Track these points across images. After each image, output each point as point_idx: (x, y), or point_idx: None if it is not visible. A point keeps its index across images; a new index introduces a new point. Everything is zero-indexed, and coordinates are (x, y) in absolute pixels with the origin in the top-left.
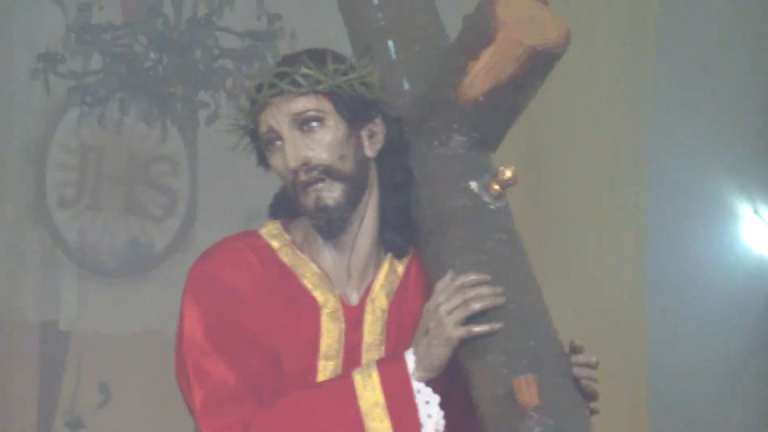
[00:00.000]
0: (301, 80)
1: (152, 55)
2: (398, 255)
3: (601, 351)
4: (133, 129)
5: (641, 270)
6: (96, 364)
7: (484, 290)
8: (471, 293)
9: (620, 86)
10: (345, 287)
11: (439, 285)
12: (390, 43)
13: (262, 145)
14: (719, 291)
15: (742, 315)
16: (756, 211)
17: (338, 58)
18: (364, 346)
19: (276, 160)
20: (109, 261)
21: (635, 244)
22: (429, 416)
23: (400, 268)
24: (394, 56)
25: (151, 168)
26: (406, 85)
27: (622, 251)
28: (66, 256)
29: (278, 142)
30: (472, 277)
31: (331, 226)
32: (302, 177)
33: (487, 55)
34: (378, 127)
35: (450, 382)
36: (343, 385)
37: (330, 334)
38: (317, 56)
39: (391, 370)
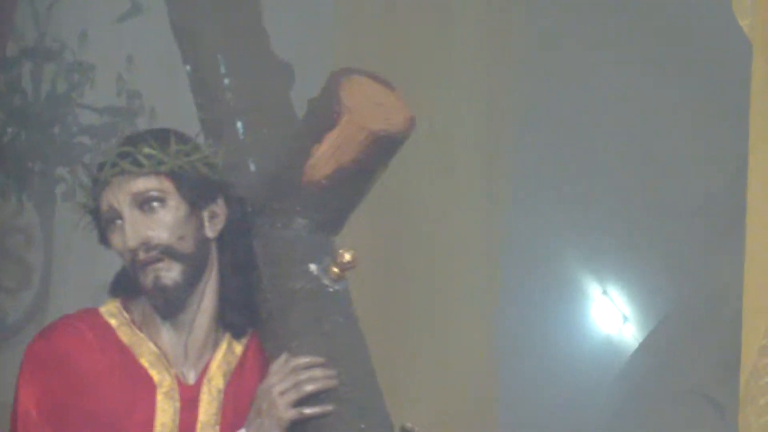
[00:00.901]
0: (143, 160)
1: (10, 129)
2: (237, 335)
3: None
4: None
5: (493, 350)
6: None
7: (317, 373)
8: (304, 375)
9: (478, 170)
10: (182, 366)
11: (274, 366)
12: (239, 124)
13: (103, 223)
14: (569, 369)
15: (592, 393)
16: (605, 292)
17: (182, 138)
18: (199, 426)
19: (116, 239)
20: None
21: (488, 323)
22: None
23: (239, 348)
24: (242, 137)
25: (5, 240)
26: (253, 167)
27: (474, 330)
28: None
29: (118, 221)
30: (306, 360)
31: (169, 305)
32: (141, 256)
33: (330, 139)
34: (220, 208)
35: None
36: None
37: (164, 412)
38: (160, 136)
39: None
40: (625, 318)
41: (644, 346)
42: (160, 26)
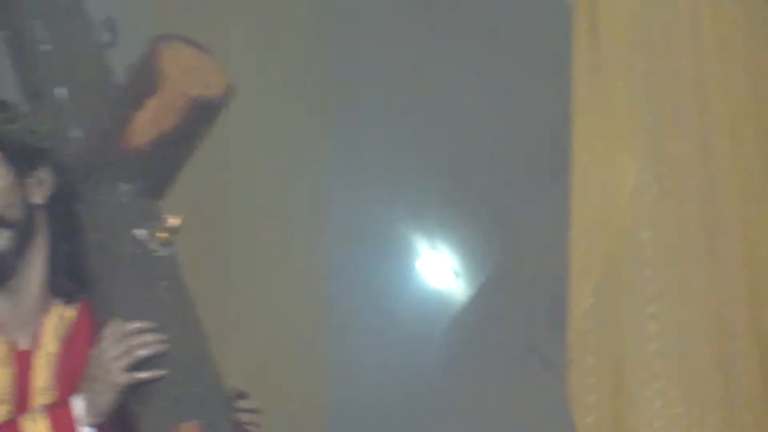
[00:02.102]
0: None
1: None
2: (67, 301)
3: (283, 386)
4: None
5: (322, 308)
6: None
7: (148, 337)
8: (135, 340)
9: (300, 125)
10: (15, 332)
11: (105, 332)
12: (60, 90)
13: None
14: (399, 325)
15: (422, 348)
16: (434, 247)
17: (4, 106)
18: (35, 390)
19: None
20: None
21: (317, 284)
22: None
23: (71, 314)
24: (64, 103)
25: None
26: (76, 133)
27: (305, 287)
28: None
29: None
30: (137, 325)
31: (0, 273)
32: None
33: (151, 105)
34: (46, 174)
35: (122, 427)
36: (10, 430)
37: (1, 378)
38: None
39: (58, 415)
40: (456, 273)
41: (474, 301)
42: None
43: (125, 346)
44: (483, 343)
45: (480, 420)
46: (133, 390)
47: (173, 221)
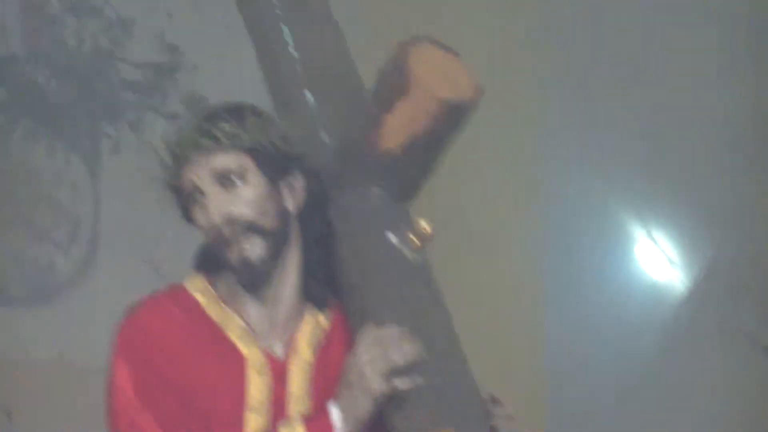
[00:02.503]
0: (221, 136)
1: (54, 85)
2: (320, 307)
3: (500, 374)
4: (34, 153)
5: (539, 299)
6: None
7: (405, 343)
8: (391, 346)
9: (511, 123)
10: (270, 340)
11: (360, 338)
12: (310, 96)
13: (184, 199)
14: (615, 314)
15: (638, 337)
16: (650, 236)
17: (257, 112)
18: (290, 399)
19: (199, 215)
20: (11, 287)
21: (533, 273)
22: None
23: (324, 320)
24: (314, 109)
25: (53, 193)
26: (326, 138)
27: (519, 273)
28: None
29: (200, 198)
30: (391, 330)
31: (254, 280)
32: (225, 232)
33: (401, 108)
34: (298, 181)
35: None
36: None
37: (256, 387)
38: (236, 112)
39: (316, 423)
40: (672, 262)
41: (692, 291)
42: None
43: (381, 352)
44: (700, 332)
45: (696, 408)
46: (389, 398)
47: (425, 226)
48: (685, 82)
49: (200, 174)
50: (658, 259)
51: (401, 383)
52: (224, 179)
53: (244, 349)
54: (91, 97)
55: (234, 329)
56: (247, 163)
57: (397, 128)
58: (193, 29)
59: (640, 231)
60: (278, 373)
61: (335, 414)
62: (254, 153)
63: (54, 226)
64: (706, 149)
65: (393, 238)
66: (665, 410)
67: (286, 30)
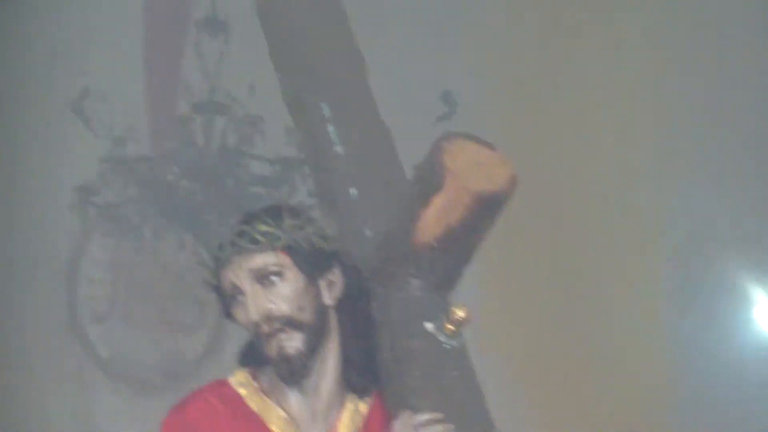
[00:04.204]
0: (259, 237)
1: (184, 183)
2: (361, 395)
3: None
4: (165, 246)
5: (661, 361)
6: None
7: (438, 428)
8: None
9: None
10: (310, 429)
11: (396, 424)
12: (353, 192)
13: (226, 299)
14: (737, 373)
15: (761, 395)
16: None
17: (294, 213)
18: None
19: (239, 313)
20: (141, 372)
21: (653, 335)
22: None
23: (364, 408)
24: (358, 206)
25: (183, 281)
26: (369, 233)
27: (640, 342)
28: (99, 369)
29: (240, 297)
30: (426, 416)
31: (293, 373)
32: (264, 329)
33: (436, 202)
34: (336, 276)
35: None
36: None
37: None
38: (274, 213)
39: None
40: None
41: None
42: None
43: None
44: None
45: None
46: None
47: (460, 313)
48: None
49: (240, 274)
50: None
51: None
52: (262, 278)
53: None
54: (219, 192)
55: (275, 420)
56: (285, 260)
57: (434, 222)
58: None
59: (759, 292)
60: None
61: None
62: (291, 251)
63: (181, 310)
64: None
65: (430, 326)
66: None
67: (331, 129)
